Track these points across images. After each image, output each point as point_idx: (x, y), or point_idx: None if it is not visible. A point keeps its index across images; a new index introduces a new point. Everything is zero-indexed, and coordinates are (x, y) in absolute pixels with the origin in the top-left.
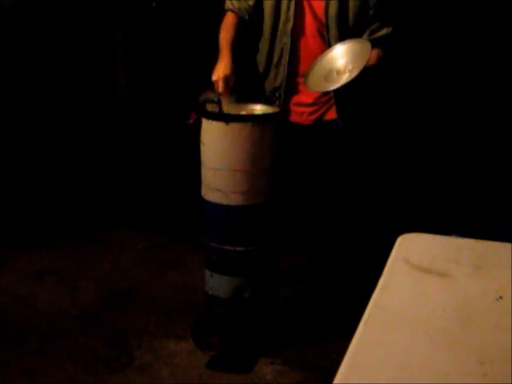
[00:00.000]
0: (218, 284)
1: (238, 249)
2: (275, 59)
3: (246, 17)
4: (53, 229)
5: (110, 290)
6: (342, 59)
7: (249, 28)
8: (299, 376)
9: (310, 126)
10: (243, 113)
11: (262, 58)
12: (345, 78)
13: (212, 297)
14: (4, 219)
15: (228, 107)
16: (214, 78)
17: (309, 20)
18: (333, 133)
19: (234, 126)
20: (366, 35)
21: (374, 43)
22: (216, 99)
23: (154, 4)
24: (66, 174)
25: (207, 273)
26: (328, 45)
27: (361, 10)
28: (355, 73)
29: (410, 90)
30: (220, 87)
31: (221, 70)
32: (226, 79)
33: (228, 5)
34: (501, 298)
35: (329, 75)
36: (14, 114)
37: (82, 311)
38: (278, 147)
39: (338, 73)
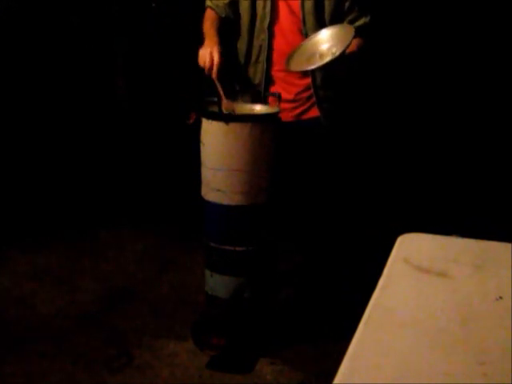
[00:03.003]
0: (218, 284)
1: (237, 249)
2: (254, 57)
3: (223, 15)
4: (52, 229)
5: (110, 290)
6: (327, 43)
7: (225, 26)
8: (299, 376)
9: (291, 123)
10: (243, 113)
11: (240, 56)
12: (325, 60)
13: (212, 297)
14: (4, 219)
15: (228, 107)
16: (201, 63)
17: (285, 16)
18: (315, 130)
19: (234, 126)
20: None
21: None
22: (216, 99)
23: (153, 4)
24: (66, 173)
25: (207, 273)
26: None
27: (337, 2)
28: (336, 55)
29: (408, 90)
30: (213, 72)
31: (208, 54)
32: (216, 63)
33: (207, 2)
34: (501, 298)
35: (311, 58)
36: (14, 115)
37: (82, 311)
38: (277, 147)
39: (321, 56)
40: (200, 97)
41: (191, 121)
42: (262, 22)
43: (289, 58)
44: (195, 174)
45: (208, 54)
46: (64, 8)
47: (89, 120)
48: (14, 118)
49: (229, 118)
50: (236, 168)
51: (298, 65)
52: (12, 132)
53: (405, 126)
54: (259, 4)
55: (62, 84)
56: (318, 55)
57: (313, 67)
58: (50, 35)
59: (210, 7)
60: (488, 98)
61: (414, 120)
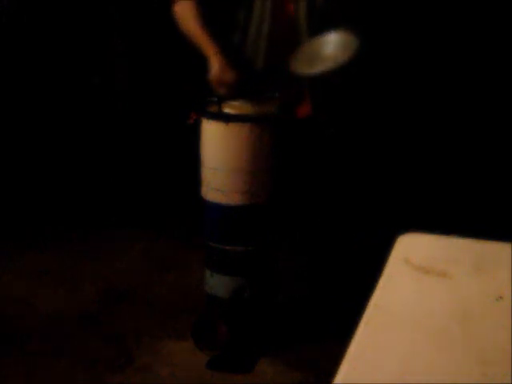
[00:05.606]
0: (218, 284)
1: (238, 249)
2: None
3: None
4: (52, 229)
5: (110, 290)
6: (332, 48)
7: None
8: (299, 376)
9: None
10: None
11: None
12: (323, 67)
13: (212, 297)
14: (4, 219)
15: (228, 107)
16: (220, 90)
17: (281, 20)
18: (310, 130)
19: (234, 126)
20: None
21: None
22: (216, 99)
23: (153, 4)
24: (66, 173)
25: (207, 273)
26: (299, 44)
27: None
28: (339, 62)
29: (408, 90)
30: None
31: (227, 75)
32: (233, 84)
33: None
34: (501, 298)
35: (313, 60)
36: (14, 116)
37: (82, 311)
38: (277, 147)
39: (323, 60)
40: (200, 97)
41: (191, 121)
42: (261, 26)
43: (293, 56)
44: (195, 174)
45: (226, 76)
46: (64, 8)
47: (89, 120)
48: (14, 118)
49: (229, 117)
50: (236, 168)
51: (300, 66)
52: (12, 132)
53: (404, 125)
54: (257, 5)
55: (62, 84)
56: (320, 58)
57: (312, 73)
58: (49, 35)
59: None
60: (488, 99)
61: (414, 119)
